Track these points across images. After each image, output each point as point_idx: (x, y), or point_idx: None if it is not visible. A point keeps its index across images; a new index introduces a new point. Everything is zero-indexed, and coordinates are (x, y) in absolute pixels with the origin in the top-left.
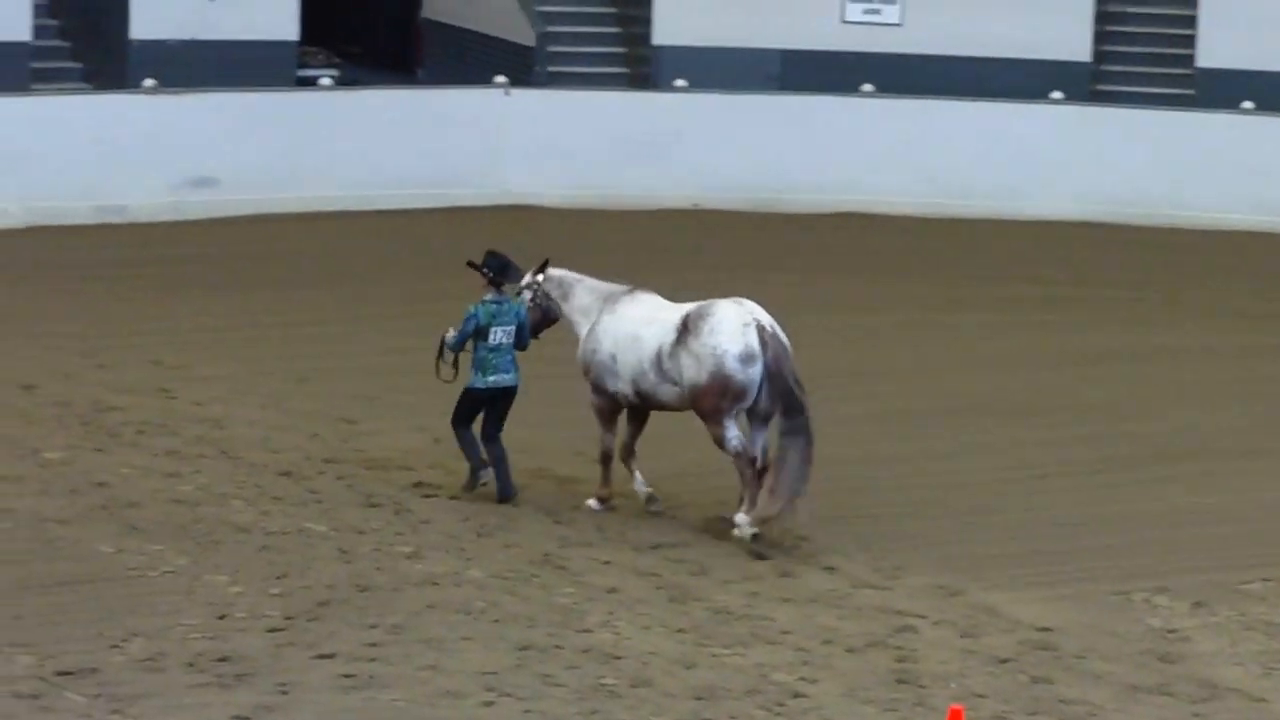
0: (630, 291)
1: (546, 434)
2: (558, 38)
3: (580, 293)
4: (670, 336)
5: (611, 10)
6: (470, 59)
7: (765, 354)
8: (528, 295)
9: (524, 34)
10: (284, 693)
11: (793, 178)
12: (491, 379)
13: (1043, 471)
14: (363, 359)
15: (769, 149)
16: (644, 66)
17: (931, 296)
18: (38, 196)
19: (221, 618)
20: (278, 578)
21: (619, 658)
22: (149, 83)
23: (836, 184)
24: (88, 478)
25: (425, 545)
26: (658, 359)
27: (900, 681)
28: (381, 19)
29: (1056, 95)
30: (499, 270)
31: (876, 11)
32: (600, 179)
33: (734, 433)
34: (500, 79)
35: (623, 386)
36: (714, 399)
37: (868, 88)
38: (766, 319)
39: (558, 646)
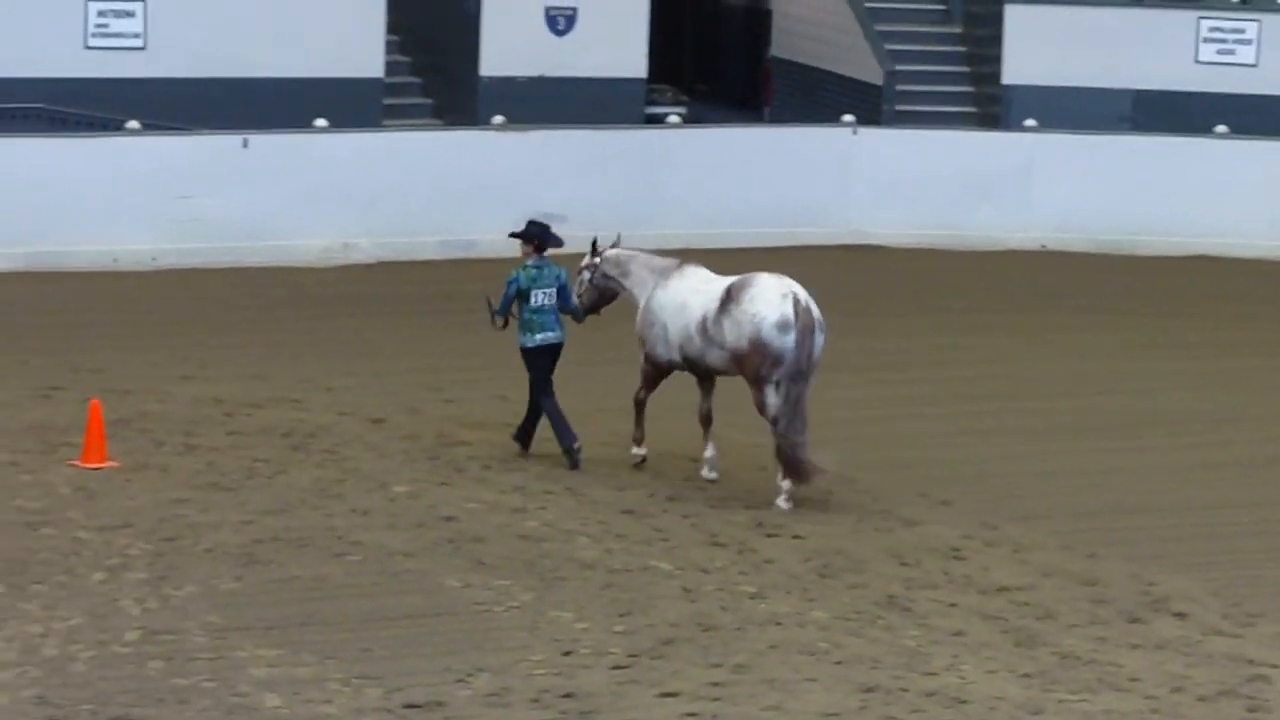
0: (679, 266)
1: (890, 476)
2: (906, 76)
3: (636, 268)
4: (714, 305)
5: (961, 49)
6: (818, 97)
7: (797, 324)
8: (586, 276)
9: (872, 72)
10: None
11: (1144, 220)
12: (539, 337)
13: None
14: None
15: (1120, 190)
16: (993, 105)
17: None
18: (387, 231)
19: (566, 654)
20: (621, 615)
21: (964, 702)
22: (498, 119)
23: (1189, 226)
24: (435, 512)
25: (768, 585)
26: (703, 325)
27: None
28: (730, 57)
29: None
30: (541, 236)
31: (1231, 52)
32: (947, 219)
33: (774, 399)
34: (848, 117)
35: (673, 354)
36: (754, 363)
37: (1221, 129)
38: (803, 293)
39: (903, 689)
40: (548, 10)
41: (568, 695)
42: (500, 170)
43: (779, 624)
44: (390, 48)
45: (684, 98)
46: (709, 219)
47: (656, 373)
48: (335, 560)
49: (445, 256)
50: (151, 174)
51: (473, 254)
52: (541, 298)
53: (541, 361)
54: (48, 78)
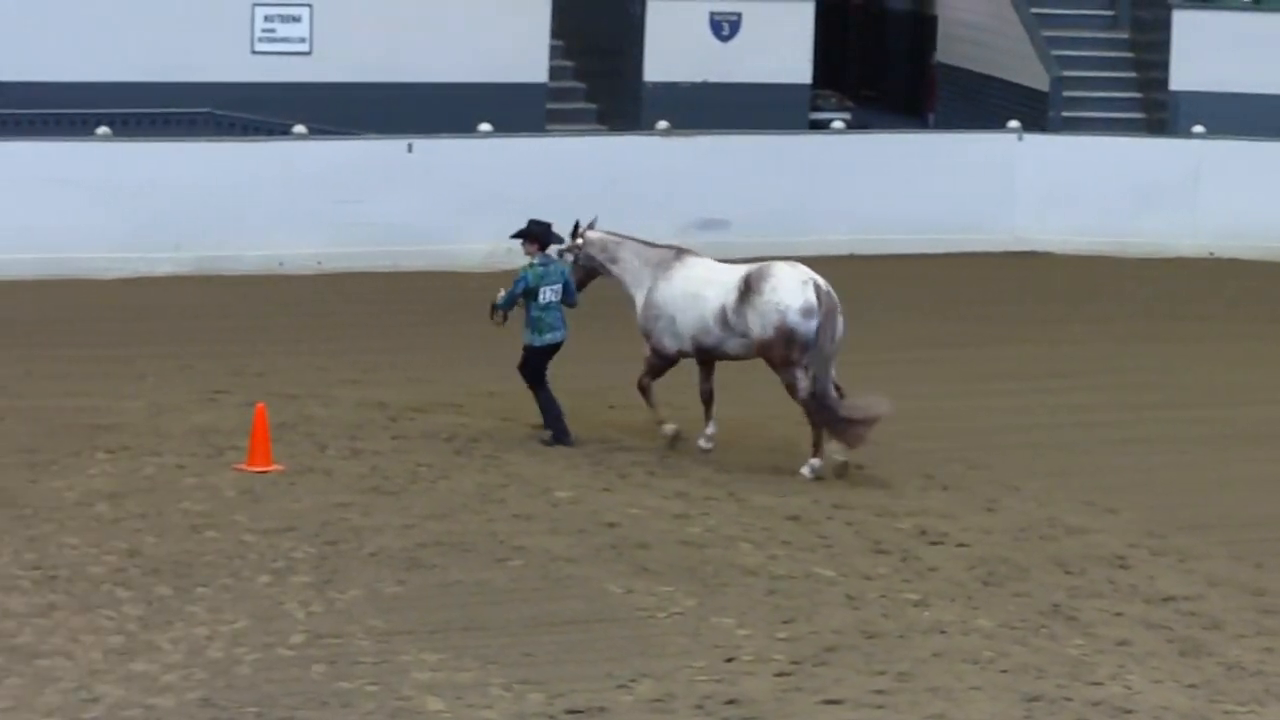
0: (678, 255)
1: (1055, 483)
2: (1073, 82)
3: (627, 256)
4: (733, 295)
5: (1128, 55)
6: (983, 103)
7: (821, 309)
8: (570, 258)
9: (1038, 78)
10: None
11: None
12: (547, 337)
13: None
14: None
15: None
16: (1160, 112)
17: None
18: None
19: (729, 660)
20: (784, 622)
21: (1130, 712)
22: (662, 124)
23: None
24: (597, 517)
25: (932, 592)
26: (722, 315)
27: None
28: (895, 62)
29: None
30: (544, 234)
31: None
32: (1114, 226)
33: (804, 382)
34: (1013, 124)
35: (684, 344)
36: (780, 350)
37: None
38: (821, 280)
39: (1067, 699)
40: (712, 15)
41: (731, 702)
42: (664, 175)
43: (943, 632)
44: (555, 53)
45: (848, 103)
46: (872, 225)
47: (663, 364)
48: (498, 565)
49: None
50: (317, 178)
51: None
52: (549, 295)
53: (545, 359)
54: (215, 82)
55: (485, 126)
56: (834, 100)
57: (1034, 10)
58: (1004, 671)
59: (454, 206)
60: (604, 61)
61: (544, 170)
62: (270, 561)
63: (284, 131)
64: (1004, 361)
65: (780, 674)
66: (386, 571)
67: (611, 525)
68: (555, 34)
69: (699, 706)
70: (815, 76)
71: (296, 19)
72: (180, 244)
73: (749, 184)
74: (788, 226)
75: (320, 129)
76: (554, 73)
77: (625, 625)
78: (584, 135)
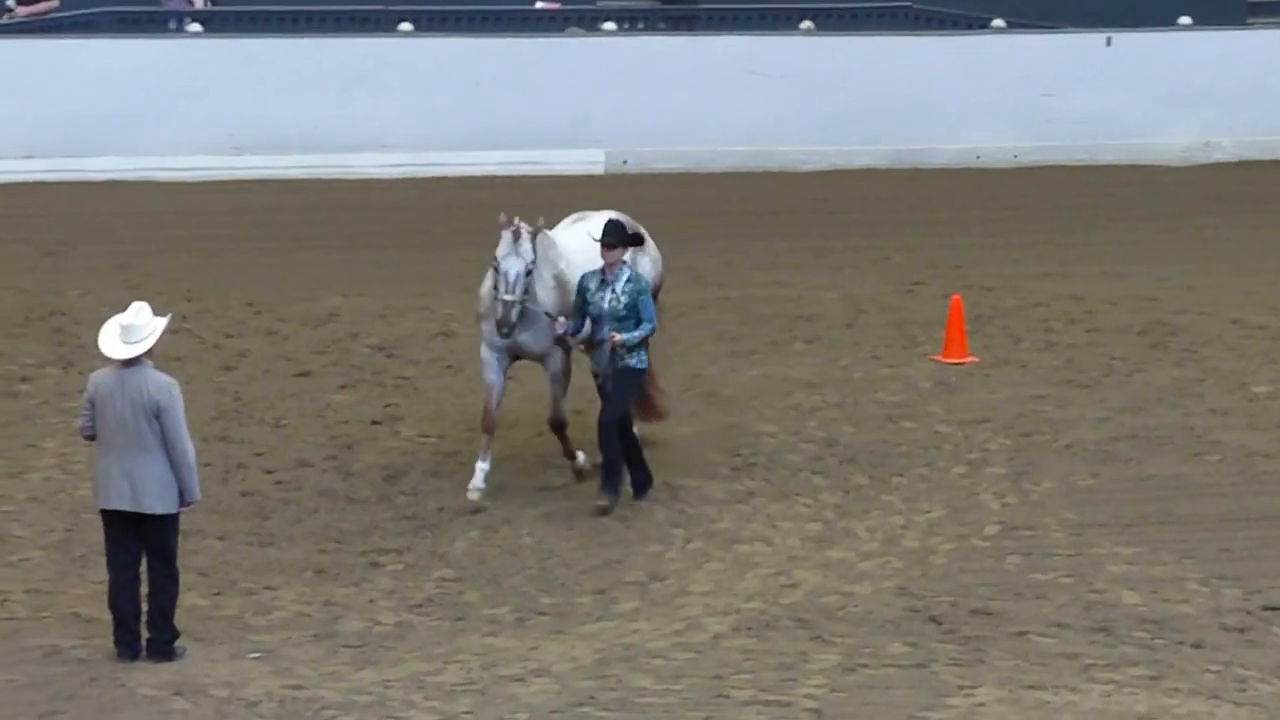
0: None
1: None
2: None
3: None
4: None
5: None
6: None
7: None
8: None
9: None
10: None
11: None
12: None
13: None
14: None
15: None
16: None
17: None
18: (1250, 130)
19: None
20: None
21: None
22: None
23: None
24: None
25: None
26: None
27: None
28: None
29: None
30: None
31: None
32: None
33: None
34: None
35: None
36: None
37: None
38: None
39: None
40: None
41: None
42: None
43: None
44: None
45: None
46: None
47: None
48: (1194, 460)
49: None
50: (1014, 72)
51: None
52: None
53: None
54: None
55: (1185, 20)
56: None
57: None
58: None
59: (1152, 100)
60: None
61: (1244, 64)
62: (965, 453)
63: (982, 25)
64: None
65: None
66: (1080, 464)
67: None
68: None
69: None
70: None
71: None
72: (878, 137)
73: None
74: None
75: (1019, 23)
76: None
77: None
78: None
